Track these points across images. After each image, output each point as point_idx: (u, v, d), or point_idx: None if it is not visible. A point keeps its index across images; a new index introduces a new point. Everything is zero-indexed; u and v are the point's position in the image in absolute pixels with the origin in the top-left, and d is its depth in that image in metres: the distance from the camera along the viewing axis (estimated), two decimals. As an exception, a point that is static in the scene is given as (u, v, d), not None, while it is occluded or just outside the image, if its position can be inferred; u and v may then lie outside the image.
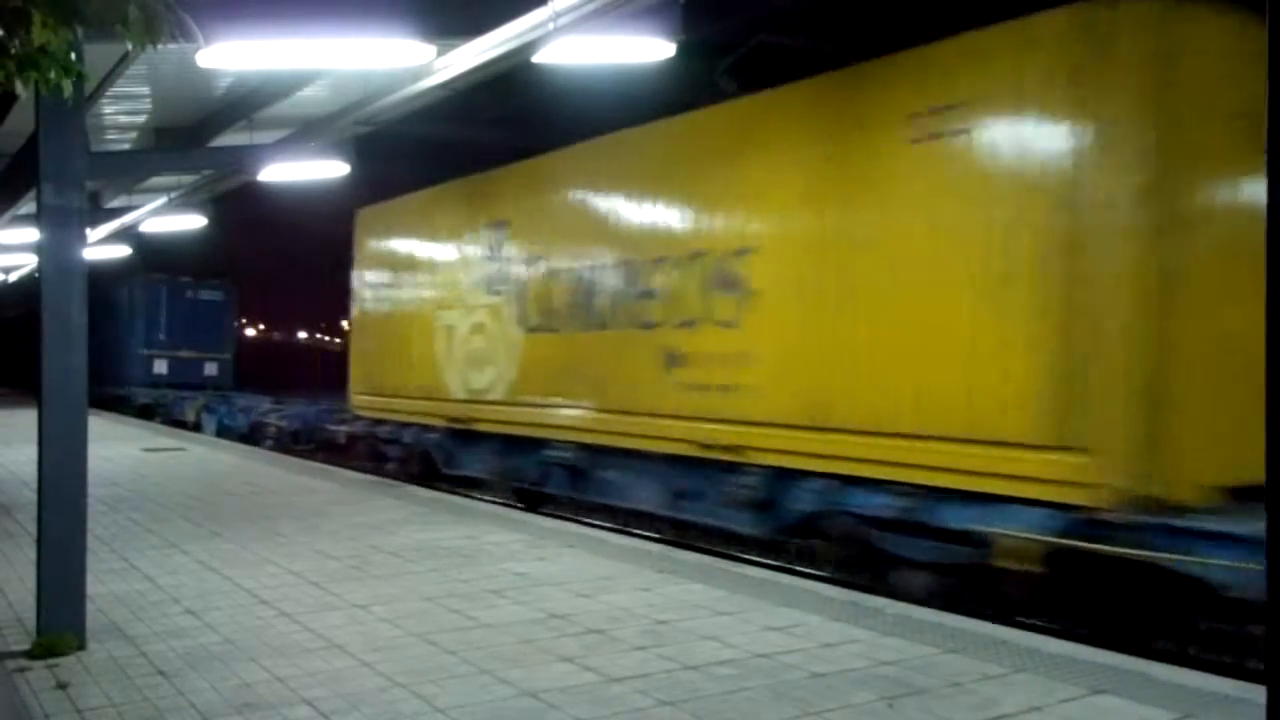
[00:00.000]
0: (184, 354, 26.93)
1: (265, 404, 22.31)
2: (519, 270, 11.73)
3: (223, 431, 21.56)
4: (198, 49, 5.84)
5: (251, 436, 20.59)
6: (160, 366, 26.73)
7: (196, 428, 22.28)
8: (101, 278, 27.25)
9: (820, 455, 7.78)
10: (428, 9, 6.53)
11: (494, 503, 11.73)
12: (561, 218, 11.16)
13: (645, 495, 9.83)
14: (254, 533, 8.55)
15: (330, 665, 4.90)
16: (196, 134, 11.03)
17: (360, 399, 15.37)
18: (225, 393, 25.37)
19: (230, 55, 6.38)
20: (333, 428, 17.05)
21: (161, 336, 26.91)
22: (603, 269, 10.38)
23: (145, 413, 25.60)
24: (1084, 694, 4.60)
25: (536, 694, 4.49)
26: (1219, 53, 6.42)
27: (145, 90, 9.62)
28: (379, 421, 14.80)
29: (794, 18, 11.55)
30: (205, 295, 27.90)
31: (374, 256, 15.28)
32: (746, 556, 9.04)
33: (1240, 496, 6.08)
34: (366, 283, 15.50)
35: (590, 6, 5.86)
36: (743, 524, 8.66)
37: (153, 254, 23.07)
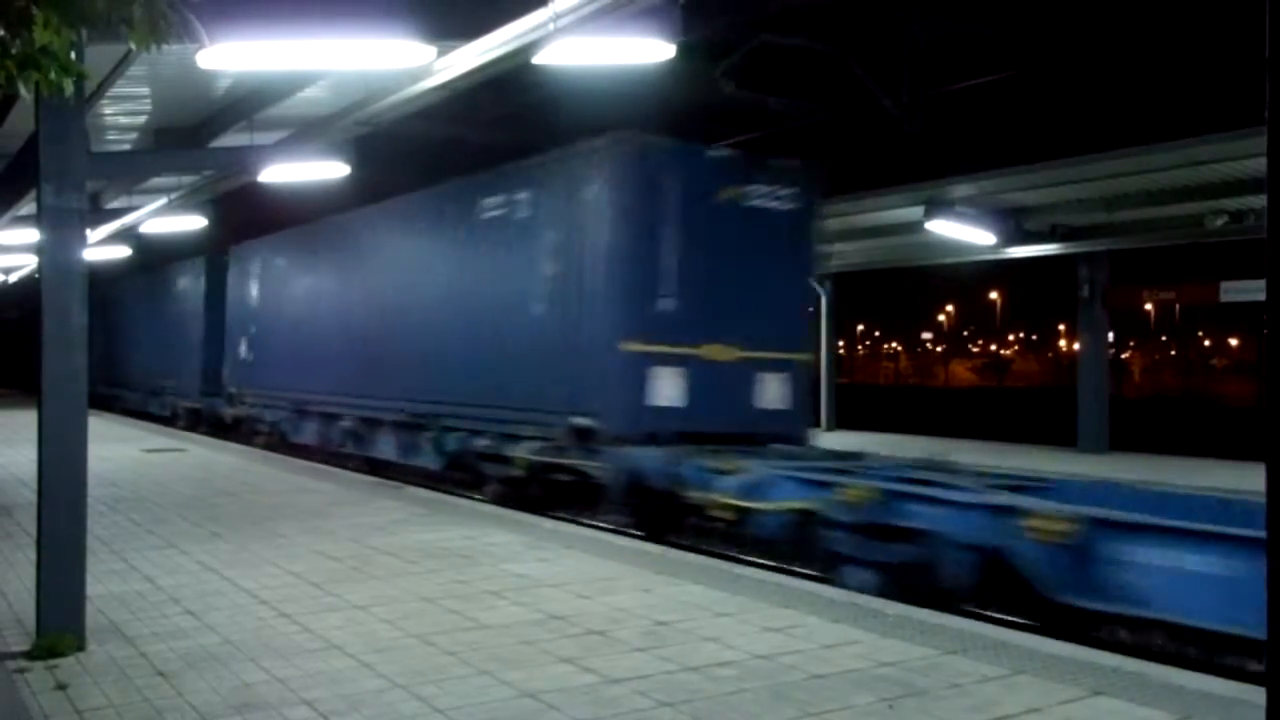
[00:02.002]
0: (714, 354, 10.91)
1: None
2: None
3: None
4: (199, 49, 5.85)
5: None
6: (667, 388, 10.68)
7: None
8: (485, 153, 13.31)
9: None
10: (428, 10, 6.54)
11: (494, 503, 11.73)
12: None
13: None
14: (254, 533, 8.56)
15: (330, 666, 4.90)
16: (196, 135, 11.07)
17: None
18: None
19: (231, 56, 6.39)
20: None
21: (669, 306, 10.82)
22: None
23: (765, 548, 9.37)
24: (1084, 695, 4.60)
25: (536, 695, 4.49)
26: None
27: (145, 91, 9.65)
28: None
29: (794, 18, 11.53)
30: (762, 199, 11.36)
31: None
32: (746, 557, 9.05)
33: None
34: None
35: (590, 7, 5.87)
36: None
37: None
